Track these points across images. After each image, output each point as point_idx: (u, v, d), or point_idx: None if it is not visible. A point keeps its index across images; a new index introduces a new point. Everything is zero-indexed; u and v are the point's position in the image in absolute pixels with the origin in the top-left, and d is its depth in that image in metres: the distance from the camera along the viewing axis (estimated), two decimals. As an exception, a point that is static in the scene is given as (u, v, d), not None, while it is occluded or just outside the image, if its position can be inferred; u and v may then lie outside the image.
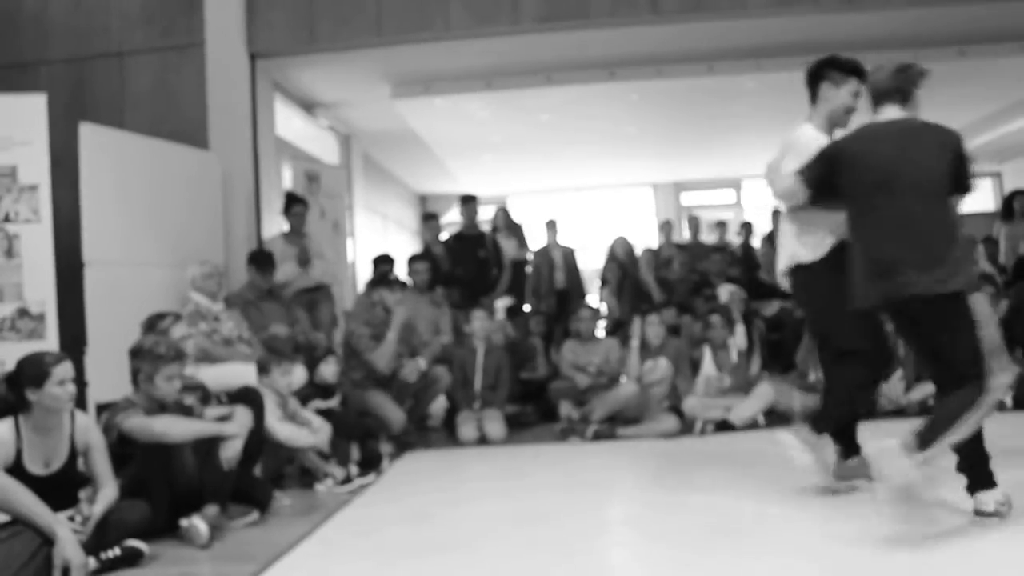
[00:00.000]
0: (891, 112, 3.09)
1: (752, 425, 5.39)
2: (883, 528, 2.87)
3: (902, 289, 2.87)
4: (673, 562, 2.77)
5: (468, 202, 7.87)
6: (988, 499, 2.89)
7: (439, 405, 6.25)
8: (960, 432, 2.74)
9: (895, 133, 3.03)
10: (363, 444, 4.86)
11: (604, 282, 8.18)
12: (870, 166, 3.01)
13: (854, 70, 3.48)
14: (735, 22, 6.77)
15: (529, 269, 8.35)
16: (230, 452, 3.64)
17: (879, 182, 2.97)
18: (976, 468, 2.92)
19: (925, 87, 3.19)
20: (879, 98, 3.14)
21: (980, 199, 13.68)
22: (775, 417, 5.46)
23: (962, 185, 3.00)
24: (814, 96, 3.56)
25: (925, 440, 2.73)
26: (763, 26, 6.91)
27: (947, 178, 2.95)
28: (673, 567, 2.72)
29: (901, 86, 3.11)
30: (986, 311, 2.87)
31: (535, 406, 6.41)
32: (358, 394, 5.38)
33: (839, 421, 3.47)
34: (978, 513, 2.90)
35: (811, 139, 3.41)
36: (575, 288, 8.44)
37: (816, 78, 3.55)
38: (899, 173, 2.95)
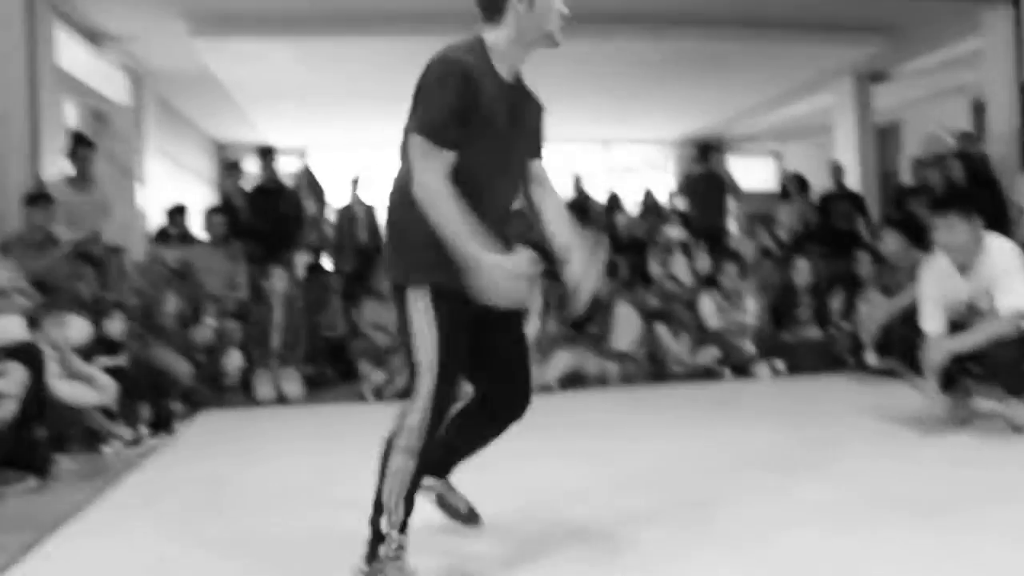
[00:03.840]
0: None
1: (547, 389, 5.63)
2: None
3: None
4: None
5: (267, 154, 7.64)
6: None
7: (234, 364, 6.10)
8: None
9: None
10: (154, 403, 4.66)
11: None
12: None
13: None
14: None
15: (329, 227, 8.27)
16: (3, 412, 3.41)
17: None
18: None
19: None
20: None
21: (762, 178, 14.87)
22: (571, 381, 5.74)
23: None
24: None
25: None
26: None
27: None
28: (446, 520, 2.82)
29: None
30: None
31: (333, 366, 6.39)
32: (145, 351, 5.16)
33: None
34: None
35: None
36: (377, 246, 8.41)
37: None
38: None
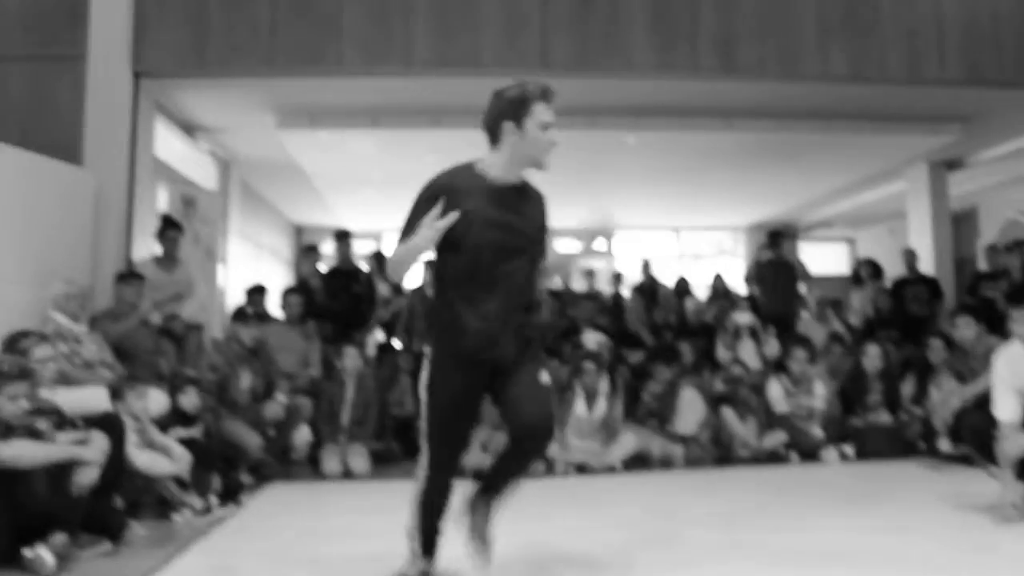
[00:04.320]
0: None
1: (610, 469, 5.61)
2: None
3: None
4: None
5: (343, 238, 7.93)
6: None
7: (303, 439, 6.24)
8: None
9: None
10: (224, 475, 4.81)
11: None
12: None
13: None
14: (620, 80, 7.13)
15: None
16: (85, 478, 3.56)
17: None
18: None
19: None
20: None
21: (835, 263, 14.72)
22: (636, 462, 5.71)
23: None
24: None
25: None
26: (645, 86, 7.31)
27: None
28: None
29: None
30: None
31: (401, 443, 6.47)
32: (217, 423, 5.34)
33: None
34: None
35: None
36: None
37: None
38: None
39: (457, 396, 2.83)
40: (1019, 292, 3.95)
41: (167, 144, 7.64)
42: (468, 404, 2.88)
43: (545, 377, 2.83)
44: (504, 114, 2.83)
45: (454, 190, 2.78)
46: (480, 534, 2.96)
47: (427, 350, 2.88)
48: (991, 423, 3.95)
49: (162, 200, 7.33)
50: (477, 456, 5.57)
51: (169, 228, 6.39)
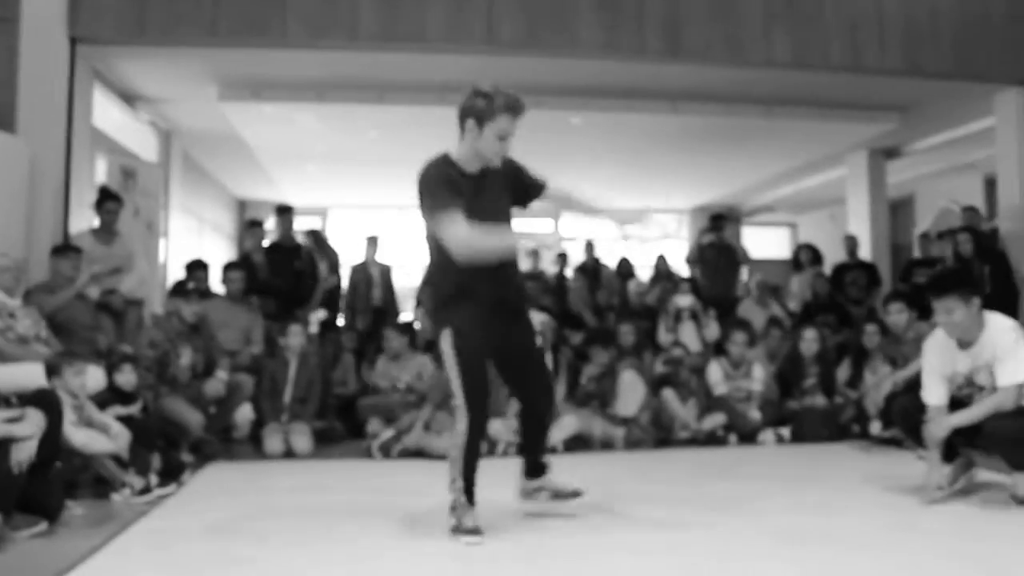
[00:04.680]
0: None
1: (551, 451, 5.66)
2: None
3: None
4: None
5: (284, 212, 7.84)
6: None
7: (245, 417, 6.18)
8: None
9: None
10: (164, 453, 4.74)
11: (419, 302, 8.35)
12: None
13: None
14: (566, 60, 7.15)
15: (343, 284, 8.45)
16: (22, 454, 3.48)
17: None
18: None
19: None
20: None
21: (777, 247, 15.00)
22: (577, 443, 5.78)
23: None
24: None
25: None
26: (591, 67, 7.34)
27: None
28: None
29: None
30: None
31: (343, 422, 6.46)
32: (157, 401, 5.26)
33: None
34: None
35: None
36: (391, 306, 8.55)
37: None
38: None
39: (483, 348, 3.30)
40: (937, 283, 4.05)
41: (105, 113, 7.44)
42: (489, 351, 3.37)
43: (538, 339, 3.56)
44: (470, 112, 3.23)
45: (452, 179, 3.25)
46: (558, 492, 3.67)
47: (445, 328, 3.29)
48: (920, 407, 4.08)
49: (100, 171, 7.16)
50: (418, 435, 5.59)
51: (107, 200, 6.23)
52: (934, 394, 4.02)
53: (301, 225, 8.69)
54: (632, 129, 9.24)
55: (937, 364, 4.05)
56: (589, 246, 9.63)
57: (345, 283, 8.56)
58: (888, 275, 9.83)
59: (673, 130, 9.20)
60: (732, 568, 2.92)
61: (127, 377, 4.90)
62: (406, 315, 8.97)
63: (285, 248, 7.67)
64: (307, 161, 10.80)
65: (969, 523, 3.55)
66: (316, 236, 8.61)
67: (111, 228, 6.21)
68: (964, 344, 3.94)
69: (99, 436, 4.30)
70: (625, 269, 9.32)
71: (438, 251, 3.28)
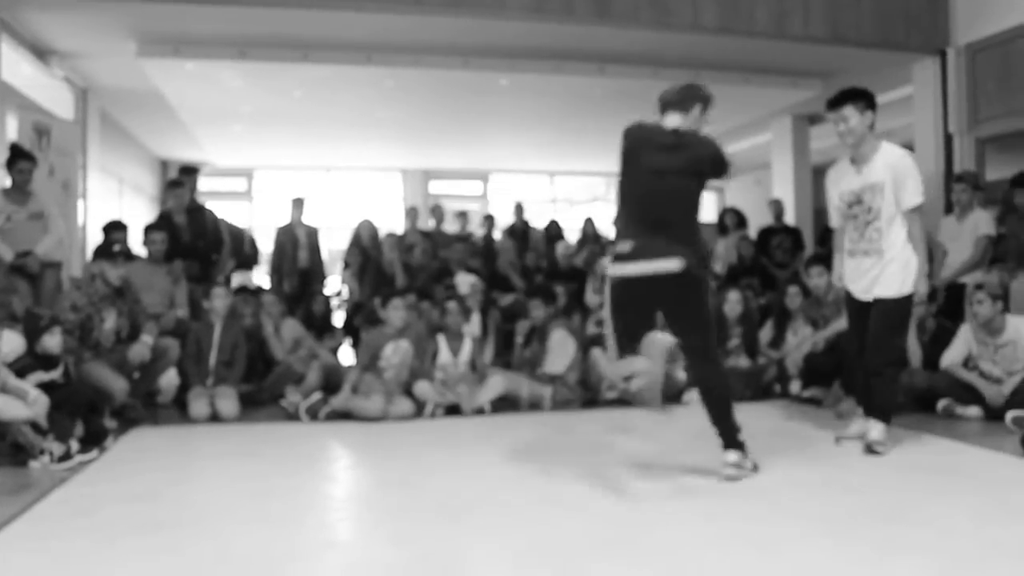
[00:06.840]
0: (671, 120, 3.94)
1: (479, 411, 5.71)
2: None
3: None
4: (396, 536, 2.95)
5: (190, 173, 7.67)
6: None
7: (169, 381, 6.07)
8: None
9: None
10: (86, 419, 4.63)
11: (346, 264, 8.28)
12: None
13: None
14: (493, 21, 7.11)
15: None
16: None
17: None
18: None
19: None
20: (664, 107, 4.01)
21: (704, 211, 15.21)
22: (504, 404, 5.84)
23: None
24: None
25: None
26: (519, 28, 7.31)
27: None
28: (395, 540, 2.90)
29: (681, 99, 3.98)
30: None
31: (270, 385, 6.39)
32: (79, 366, 5.13)
33: None
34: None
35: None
36: (317, 268, 8.45)
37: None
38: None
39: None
40: (835, 96, 4.39)
41: (16, 68, 7.13)
42: None
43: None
44: (700, 101, 4.02)
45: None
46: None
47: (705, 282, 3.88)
48: (835, 367, 4.28)
49: (11, 128, 6.87)
50: (345, 396, 5.58)
51: (19, 159, 5.98)
52: (834, 218, 4.60)
53: (231, 187, 8.47)
54: (560, 91, 9.25)
55: (834, 194, 4.51)
56: (518, 208, 9.65)
57: (271, 245, 8.42)
58: (811, 239, 10.08)
59: (601, 92, 9.23)
60: (639, 519, 3.02)
61: (55, 340, 4.75)
62: (333, 278, 8.90)
63: (203, 209, 7.48)
64: (232, 121, 10.55)
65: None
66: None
67: (24, 188, 5.97)
68: (857, 161, 4.31)
69: (14, 402, 4.18)
70: (554, 231, 9.37)
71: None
